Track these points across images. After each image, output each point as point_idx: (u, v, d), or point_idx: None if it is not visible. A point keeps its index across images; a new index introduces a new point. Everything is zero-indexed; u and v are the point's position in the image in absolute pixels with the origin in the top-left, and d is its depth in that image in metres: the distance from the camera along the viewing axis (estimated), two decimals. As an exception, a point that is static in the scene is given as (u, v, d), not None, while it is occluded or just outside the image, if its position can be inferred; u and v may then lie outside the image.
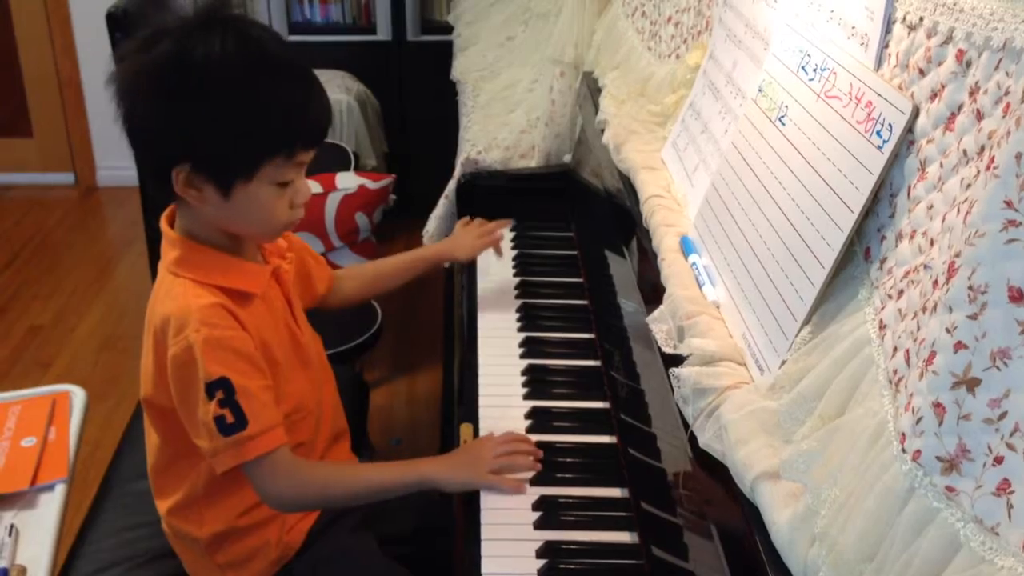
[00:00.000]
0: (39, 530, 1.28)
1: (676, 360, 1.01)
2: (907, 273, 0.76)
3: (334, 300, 1.46)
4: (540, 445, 1.27)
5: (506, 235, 1.86)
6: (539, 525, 1.14)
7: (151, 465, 1.27)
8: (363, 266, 1.59)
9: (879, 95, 0.86)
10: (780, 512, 0.76)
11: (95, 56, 3.58)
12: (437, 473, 1.20)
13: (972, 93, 0.73)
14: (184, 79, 1.06)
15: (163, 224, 1.19)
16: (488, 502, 1.18)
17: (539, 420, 1.32)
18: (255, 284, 1.18)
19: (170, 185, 1.10)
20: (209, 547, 1.24)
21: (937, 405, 0.64)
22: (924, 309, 0.70)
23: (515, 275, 1.71)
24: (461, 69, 2.65)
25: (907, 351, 0.71)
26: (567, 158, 2.05)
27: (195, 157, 1.08)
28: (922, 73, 0.81)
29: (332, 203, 2.46)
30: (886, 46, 0.90)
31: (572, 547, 1.11)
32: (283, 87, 1.10)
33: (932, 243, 0.74)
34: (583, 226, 1.84)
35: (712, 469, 0.89)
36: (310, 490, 1.17)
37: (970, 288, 0.63)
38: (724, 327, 1.05)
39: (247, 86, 1.08)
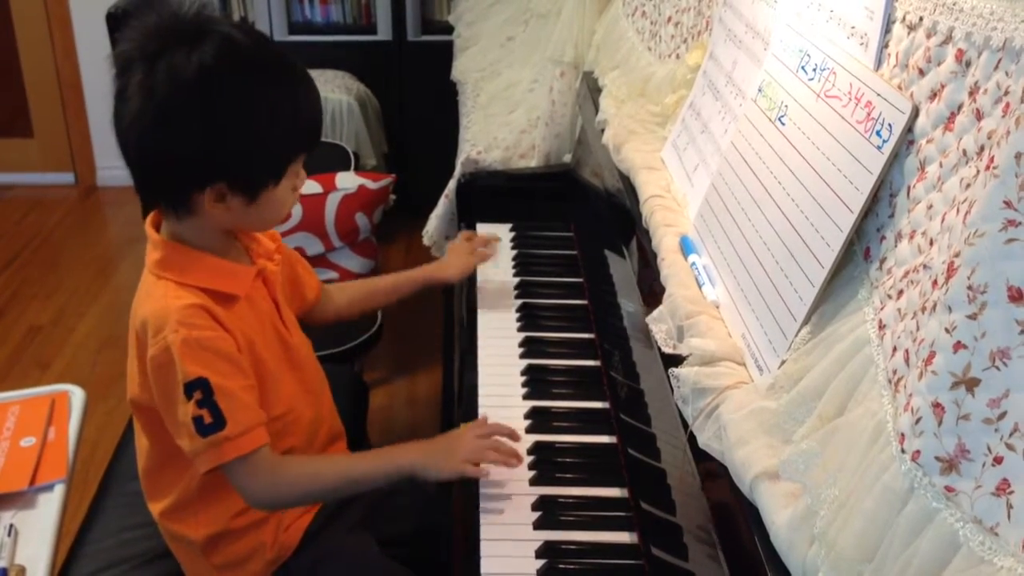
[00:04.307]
0: (38, 530, 1.28)
1: (676, 360, 1.01)
2: (907, 273, 0.76)
3: (325, 313, 1.45)
4: (540, 445, 1.27)
5: (505, 235, 1.86)
6: (539, 525, 1.14)
7: (141, 468, 1.26)
8: (355, 282, 1.58)
9: (879, 95, 0.86)
10: (779, 512, 0.76)
11: (95, 56, 3.58)
12: (413, 462, 1.19)
13: (972, 93, 0.73)
14: (204, 104, 1.05)
15: (148, 228, 1.18)
16: (487, 501, 1.17)
17: (539, 420, 1.32)
18: (239, 285, 1.17)
19: (187, 205, 1.10)
20: (205, 549, 1.24)
21: (936, 405, 0.63)
22: (923, 309, 0.70)
23: (515, 275, 1.71)
24: (461, 69, 2.65)
25: (906, 351, 0.71)
26: (567, 158, 2.05)
27: (230, 176, 1.08)
28: (922, 73, 0.81)
29: (332, 203, 2.46)
30: (886, 46, 0.90)
31: (571, 547, 1.11)
32: (293, 87, 1.12)
33: (932, 243, 0.73)
34: (583, 226, 1.84)
35: (711, 469, 0.89)
36: (291, 489, 1.17)
37: (969, 288, 0.63)
38: (723, 327, 1.04)
39: (265, 95, 1.09)
